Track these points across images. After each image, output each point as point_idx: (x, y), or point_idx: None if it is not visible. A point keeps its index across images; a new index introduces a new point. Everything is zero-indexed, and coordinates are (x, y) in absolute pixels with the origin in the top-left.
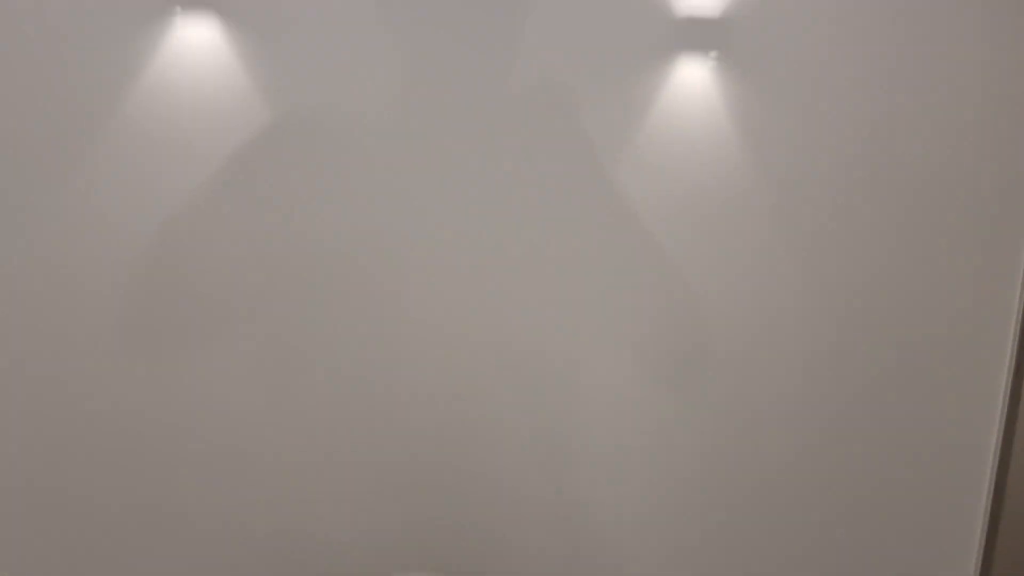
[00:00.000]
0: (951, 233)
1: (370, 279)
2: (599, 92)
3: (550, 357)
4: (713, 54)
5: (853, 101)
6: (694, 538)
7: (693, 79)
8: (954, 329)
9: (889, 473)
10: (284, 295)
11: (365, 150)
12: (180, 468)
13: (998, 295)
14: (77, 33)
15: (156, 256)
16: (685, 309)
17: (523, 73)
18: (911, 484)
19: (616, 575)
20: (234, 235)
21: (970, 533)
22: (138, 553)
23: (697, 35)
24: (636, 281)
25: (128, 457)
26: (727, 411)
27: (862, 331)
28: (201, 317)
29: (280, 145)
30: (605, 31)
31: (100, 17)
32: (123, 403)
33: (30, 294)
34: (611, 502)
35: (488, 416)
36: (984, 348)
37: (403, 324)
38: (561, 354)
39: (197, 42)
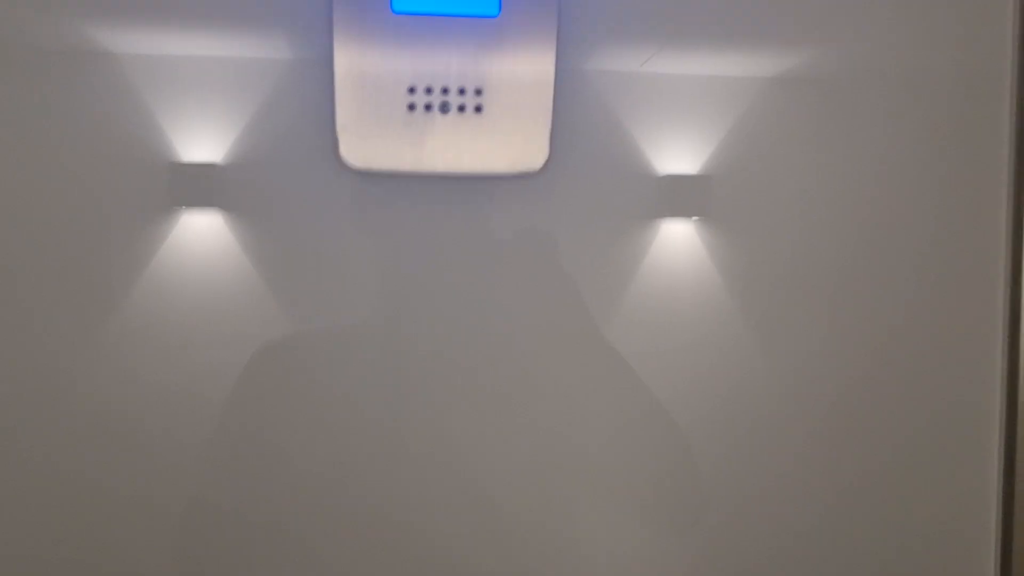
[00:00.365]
0: (944, 384)
1: (367, 456)
2: (588, 253)
3: (548, 525)
4: (695, 217)
5: (834, 247)
6: None
7: (678, 235)
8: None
9: None
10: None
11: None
12: None
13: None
14: (78, 234)
15: (156, 455)
16: (684, 469)
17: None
18: None
19: None
20: (230, 443)
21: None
22: None
23: (679, 192)
24: (634, 442)
25: None
26: (728, 572)
27: (862, 492)
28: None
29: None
30: (590, 193)
31: (102, 217)
32: None
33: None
34: None
35: None
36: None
37: (400, 488)
38: (558, 520)
39: (201, 241)
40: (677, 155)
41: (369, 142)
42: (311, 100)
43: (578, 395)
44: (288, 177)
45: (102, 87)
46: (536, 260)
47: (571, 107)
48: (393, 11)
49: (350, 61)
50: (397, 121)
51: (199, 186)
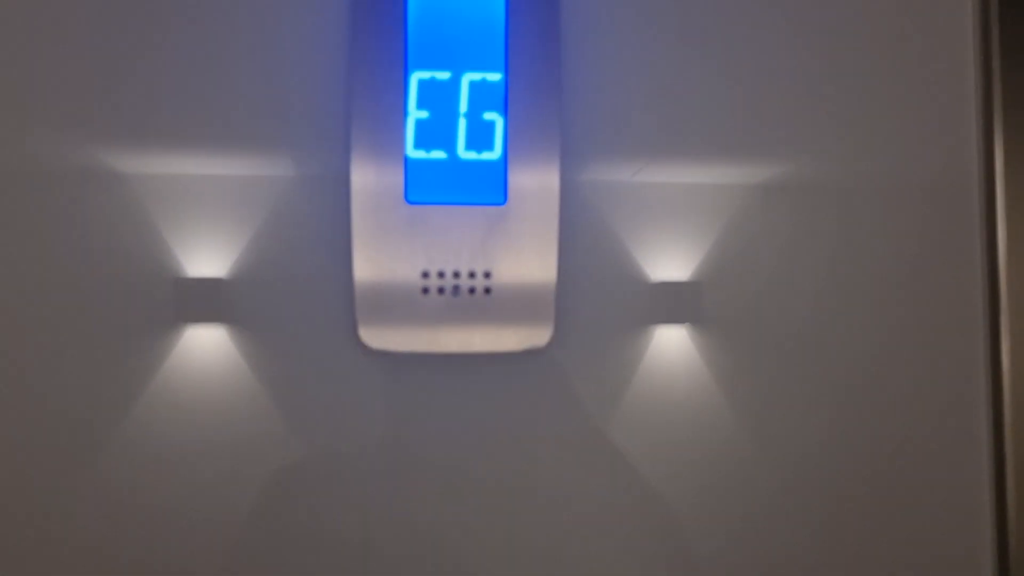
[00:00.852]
0: (933, 478)
1: None
2: (584, 361)
3: None
4: (687, 324)
5: (821, 346)
6: None
7: (671, 340)
8: None
9: None
10: None
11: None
12: None
13: None
14: (83, 347)
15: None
16: (681, 555)
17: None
18: None
19: None
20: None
21: None
22: None
23: (672, 298)
24: (637, 541)
25: None
26: None
27: None
28: None
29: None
30: (584, 300)
31: (107, 331)
32: None
33: None
34: None
35: None
36: None
37: None
38: None
39: (205, 356)
40: (669, 262)
41: (386, 325)
42: (313, 216)
43: (580, 496)
44: (293, 293)
45: (111, 205)
46: (543, 426)
47: (564, 217)
48: (407, 202)
49: (367, 249)
50: (412, 305)
51: (204, 301)
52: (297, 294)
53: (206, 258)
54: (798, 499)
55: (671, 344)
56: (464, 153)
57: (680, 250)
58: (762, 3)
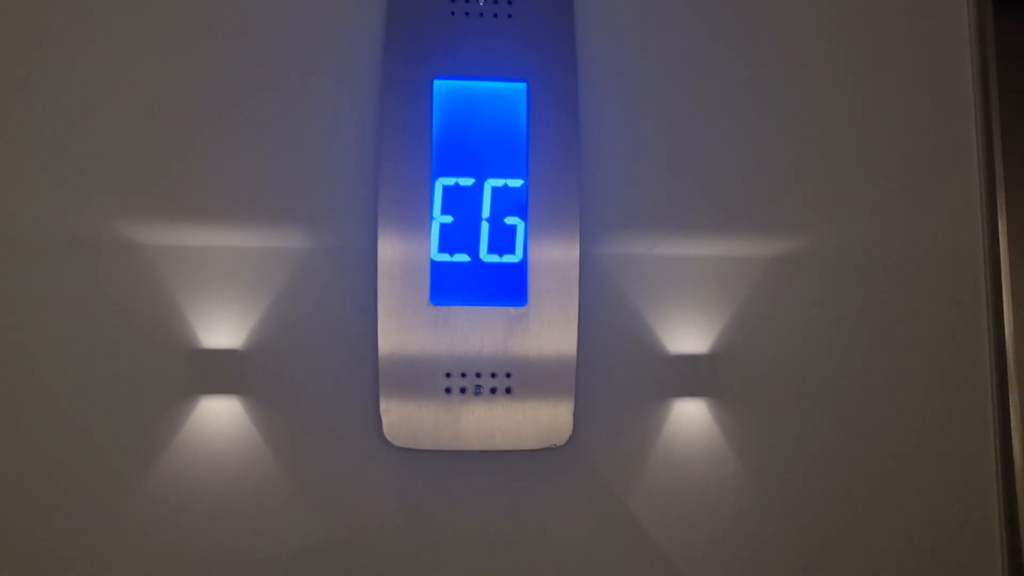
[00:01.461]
0: (951, 550)
1: None
2: (605, 434)
3: None
4: (705, 397)
5: (840, 418)
6: None
7: (690, 413)
8: None
9: None
10: None
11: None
12: None
13: None
14: (96, 417)
15: None
16: None
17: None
18: None
19: None
20: None
21: None
22: None
23: (690, 371)
24: None
25: None
26: None
27: None
28: None
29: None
30: (602, 374)
31: (120, 401)
32: None
33: None
34: None
35: None
36: None
37: None
38: None
39: (219, 427)
40: (687, 335)
41: (410, 423)
42: (329, 287)
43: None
44: (308, 364)
45: (128, 276)
46: (562, 525)
47: (583, 293)
48: (432, 303)
49: (393, 350)
50: (435, 404)
51: (218, 372)
52: (315, 368)
53: (221, 329)
54: (822, 573)
55: (690, 418)
56: (486, 256)
57: (698, 323)
58: (775, 81)
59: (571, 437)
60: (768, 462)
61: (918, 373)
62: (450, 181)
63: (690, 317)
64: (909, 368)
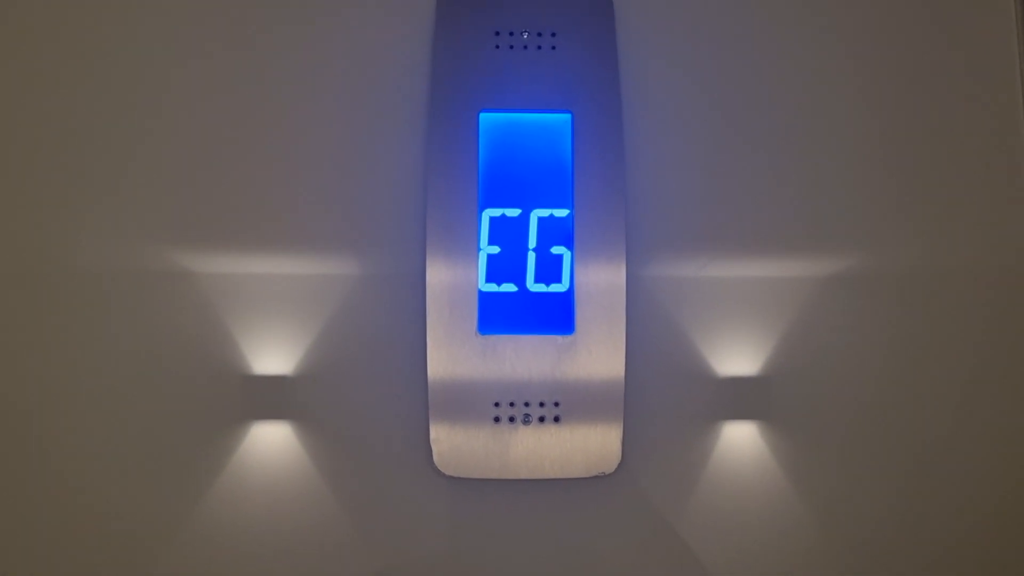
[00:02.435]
0: None
1: None
2: (654, 459)
3: None
4: (756, 420)
5: (899, 442)
6: None
7: (740, 435)
8: None
9: None
10: None
11: None
12: None
13: None
14: (149, 445)
15: None
16: None
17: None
18: None
19: None
20: None
21: None
22: None
23: (740, 393)
24: None
25: None
26: None
27: None
28: None
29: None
30: (651, 396)
31: (173, 428)
32: None
33: None
34: None
35: None
36: None
37: None
38: None
39: (271, 452)
40: (737, 357)
41: (459, 452)
42: (378, 315)
43: None
44: (359, 391)
45: (182, 304)
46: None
47: (631, 315)
48: (480, 332)
49: (442, 379)
50: (484, 433)
51: (270, 398)
52: (365, 395)
53: (273, 355)
54: None
55: (740, 441)
56: (533, 286)
57: (748, 345)
58: (820, 103)
59: (620, 463)
60: (821, 486)
61: (972, 395)
62: (497, 212)
63: (740, 339)
64: (963, 390)
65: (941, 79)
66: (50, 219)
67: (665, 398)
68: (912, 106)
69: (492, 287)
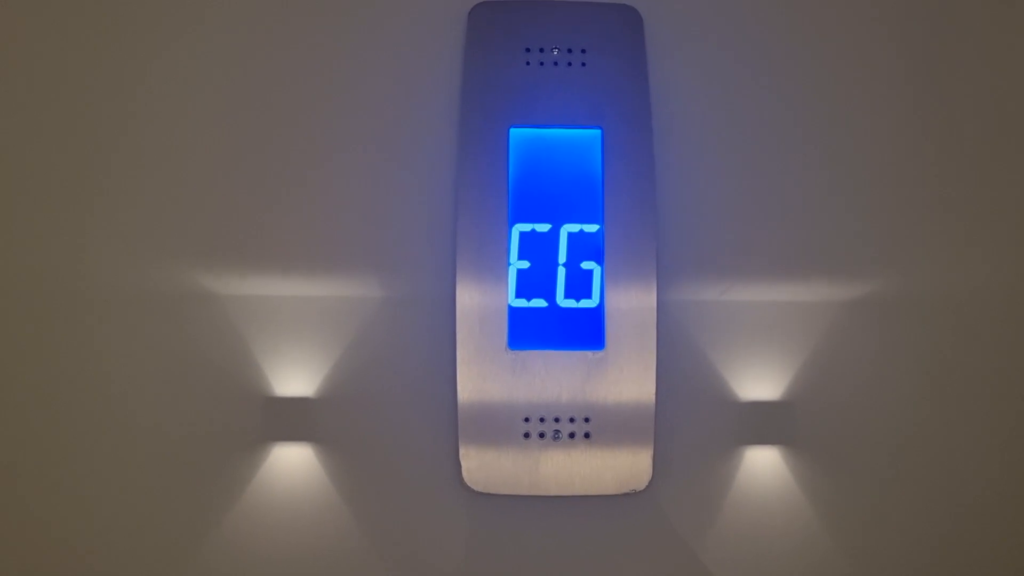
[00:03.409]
0: None
1: None
2: (681, 481)
3: None
4: (779, 446)
5: (925, 468)
6: None
7: (763, 460)
8: None
9: None
10: None
11: None
12: None
13: None
14: (171, 466)
15: None
16: None
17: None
18: None
19: None
20: None
21: None
22: None
23: (763, 418)
24: None
25: None
26: None
27: None
28: None
29: None
30: (675, 421)
31: (196, 451)
32: None
33: None
34: None
35: None
36: None
37: None
38: None
39: (292, 474)
40: (759, 381)
41: (489, 469)
42: (405, 334)
43: None
44: (386, 410)
45: (205, 326)
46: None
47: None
48: (509, 348)
49: (471, 395)
50: (514, 449)
51: (291, 420)
52: (392, 414)
53: (295, 377)
54: None
55: (763, 466)
56: (563, 301)
57: (771, 369)
58: (848, 125)
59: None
60: (844, 511)
61: (1003, 422)
62: (527, 227)
63: (762, 363)
64: (994, 417)
65: (972, 100)
66: (74, 241)
67: (689, 421)
68: (942, 128)
69: (522, 302)
